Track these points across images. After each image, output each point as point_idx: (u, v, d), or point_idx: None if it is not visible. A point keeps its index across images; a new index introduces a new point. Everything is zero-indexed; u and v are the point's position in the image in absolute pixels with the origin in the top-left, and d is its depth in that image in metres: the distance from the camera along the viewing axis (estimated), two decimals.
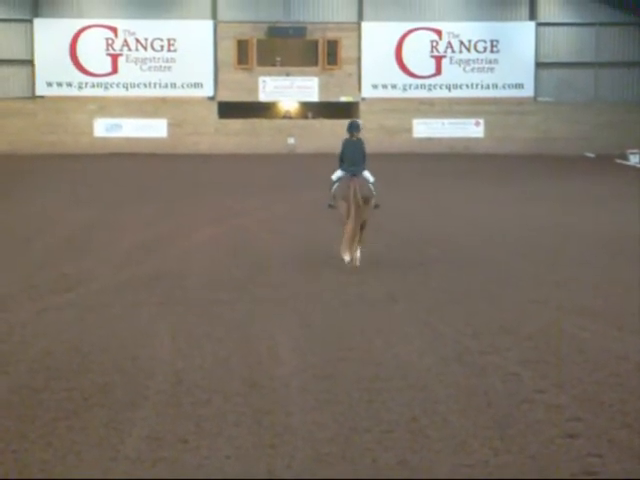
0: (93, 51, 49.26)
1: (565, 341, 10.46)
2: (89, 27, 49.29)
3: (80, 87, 49.41)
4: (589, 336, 10.71)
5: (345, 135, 16.49)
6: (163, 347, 10.20)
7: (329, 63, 49.84)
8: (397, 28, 50.28)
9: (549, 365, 9.42)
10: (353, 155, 16.04)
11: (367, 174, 16.14)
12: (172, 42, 49.74)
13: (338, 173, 16.19)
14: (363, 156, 16.14)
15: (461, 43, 50.52)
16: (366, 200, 15.61)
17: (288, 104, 51.26)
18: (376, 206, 16.14)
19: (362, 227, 15.61)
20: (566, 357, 9.72)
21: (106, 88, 49.57)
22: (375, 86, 50.32)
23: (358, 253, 15.61)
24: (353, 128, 16.29)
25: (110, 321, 11.47)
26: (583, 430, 7.48)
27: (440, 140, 50.21)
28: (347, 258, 15.36)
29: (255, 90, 49.84)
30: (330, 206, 16.33)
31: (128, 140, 49.09)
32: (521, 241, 18.56)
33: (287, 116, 51.27)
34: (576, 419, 7.74)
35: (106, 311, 12.04)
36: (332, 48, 49.84)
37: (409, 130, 50.45)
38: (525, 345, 10.26)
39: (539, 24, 50.58)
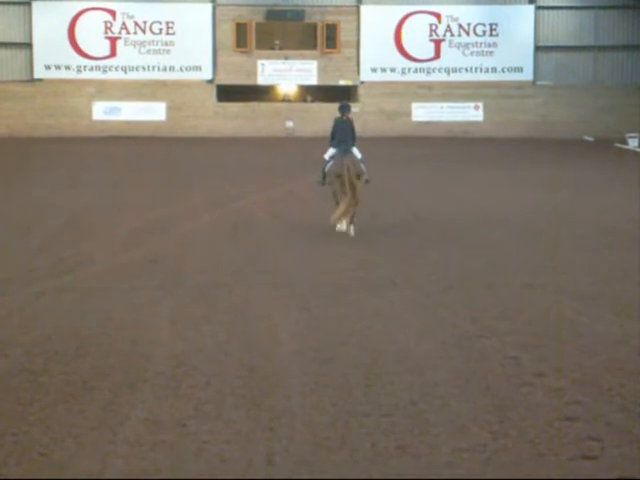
0: (92, 34, 49.12)
1: (564, 325, 10.46)
2: (87, 10, 49.15)
3: (79, 70, 49.29)
4: (588, 320, 10.72)
5: (337, 114, 18.13)
6: (162, 330, 10.21)
7: (328, 46, 49.72)
8: (396, 11, 50.17)
9: (548, 349, 9.43)
10: (343, 133, 17.56)
11: (356, 151, 17.59)
12: (171, 25, 49.60)
13: (330, 152, 17.67)
14: (353, 134, 17.69)
15: (460, 27, 50.39)
16: (357, 176, 17.09)
17: (287, 87, 51.18)
18: (367, 181, 17.70)
19: (354, 200, 16.96)
20: (565, 341, 9.73)
21: (105, 71, 49.46)
22: (374, 69, 50.23)
23: (352, 227, 17.06)
24: (344, 108, 17.97)
25: (109, 304, 11.47)
26: (582, 413, 7.49)
27: (439, 124, 50.14)
28: (341, 227, 17.10)
29: (254, 73, 49.75)
30: (318, 183, 18.12)
31: (127, 123, 49.03)
32: (519, 225, 18.54)
33: (286, 99, 51.20)
34: (575, 403, 7.75)
35: (105, 294, 12.05)
36: (331, 31, 49.71)
37: (408, 114, 50.37)
38: (524, 329, 10.27)
39: (538, 7, 50.46)
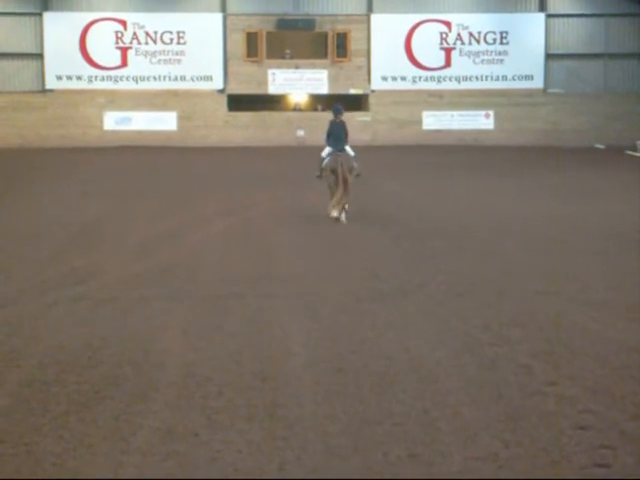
0: (103, 44, 49.22)
1: (576, 333, 10.43)
2: (98, 20, 49.26)
3: (90, 80, 49.39)
4: (600, 328, 10.69)
5: (330, 117, 20.39)
6: (174, 340, 10.22)
7: (338, 55, 49.72)
8: (406, 20, 50.17)
9: (560, 357, 9.41)
10: (338, 133, 19.83)
11: (349, 149, 19.91)
12: (181, 35, 49.69)
13: (327, 150, 19.88)
14: (346, 134, 19.95)
15: (470, 35, 50.36)
16: (349, 170, 19.31)
17: (298, 96, 51.21)
18: (357, 175, 19.87)
19: (346, 191, 19.17)
20: (577, 349, 9.71)
21: (116, 81, 49.56)
22: (385, 78, 50.21)
23: (344, 215, 19.27)
24: (337, 111, 20.17)
25: (121, 314, 11.49)
26: (595, 422, 7.47)
27: (450, 132, 50.10)
28: (334, 215, 19.16)
29: (264, 83, 49.79)
30: (318, 176, 20.15)
31: (138, 133, 49.08)
32: (530, 233, 18.51)
33: (297, 109, 51.23)
34: (588, 411, 7.73)
35: (117, 304, 12.06)
36: (341, 40, 49.70)
37: (419, 122, 50.33)
38: (536, 337, 10.25)
39: (549, 15, 50.40)
